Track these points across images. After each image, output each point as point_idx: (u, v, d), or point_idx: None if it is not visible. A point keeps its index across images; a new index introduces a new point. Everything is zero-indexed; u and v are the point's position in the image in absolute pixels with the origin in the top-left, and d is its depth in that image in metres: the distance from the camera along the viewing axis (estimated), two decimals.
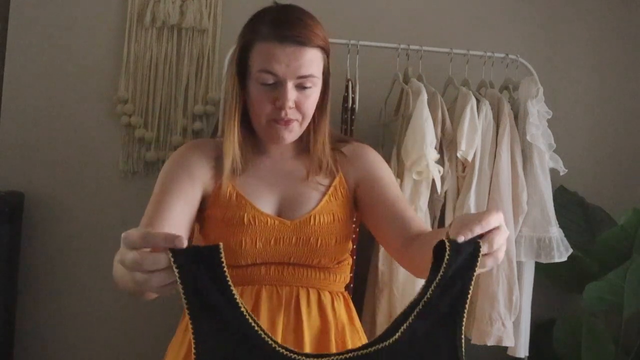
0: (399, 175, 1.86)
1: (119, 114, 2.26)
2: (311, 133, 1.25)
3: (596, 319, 2.10)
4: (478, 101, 1.94)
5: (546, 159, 1.96)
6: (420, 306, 0.80)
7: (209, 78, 2.29)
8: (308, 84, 1.16)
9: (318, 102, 1.22)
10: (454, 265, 0.79)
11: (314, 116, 1.22)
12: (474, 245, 0.80)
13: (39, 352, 2.27)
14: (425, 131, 1.80)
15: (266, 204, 1.22)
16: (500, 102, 1.96)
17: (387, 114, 2.12)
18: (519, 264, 1.94)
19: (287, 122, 1.17)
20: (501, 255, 0.84)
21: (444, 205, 1.94)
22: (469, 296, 0.80)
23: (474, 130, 1.88)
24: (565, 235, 1.96)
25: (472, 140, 1.87)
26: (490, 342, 1.88)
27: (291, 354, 0.78)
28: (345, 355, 0.79)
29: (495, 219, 0.83)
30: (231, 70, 1.22)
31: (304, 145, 1.28)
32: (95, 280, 2.28)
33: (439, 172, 1.84)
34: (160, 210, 1.21)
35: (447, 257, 0.79)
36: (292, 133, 1.20)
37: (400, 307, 1.84)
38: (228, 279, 0.77)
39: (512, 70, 2.12)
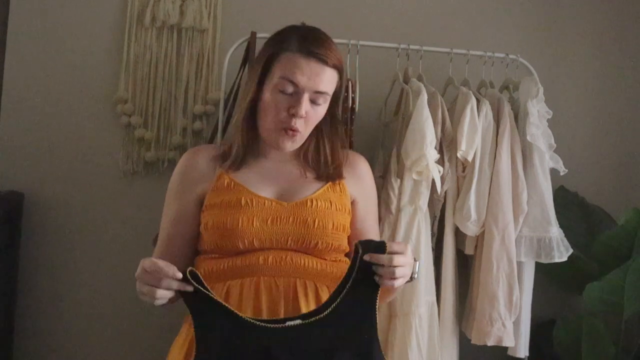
0: (399, 175, 1.86)
1: (118, 114, 2.26)
2: (325, 145, 1.37)
3: (596, 319, 2.09)
4: (478, 101, 1.94)
5: (546, 159, 1.96)
6: (345, 290, 1.11)
7: (208, 78, 2.28)
8: (320, 101, 1.28)
9: (328, 115, 1.35)
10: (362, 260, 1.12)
11: (324, 128, 1.36)
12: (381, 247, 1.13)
13: (39, 352, 2.27)
14: (425, 131, 1.80)
15: (263, 191, 1.30)
16: (500, 102, 1.96)
17: (387, 113, 2.12)
18: (519, 264, 1.94)
19: (294, 133, 1.28)
20: (399, 273, 1.15)
21: (444, 205, 1.94)
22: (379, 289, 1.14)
23: (474, 130, 1.88)
24: (566, 236, 1.95)
25: (472, 140, 1.87)
26: (491, 342, 1.88)
27: (250, 319, 1.09)
28: (288, 324, 1.09)
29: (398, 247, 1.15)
30: (252, 76, 1.33)
31: (303, 151, 1.38)
32: (95, 280, 2.28)
33: (439, 172, 1.84)
34: (168, 242, 1.41)
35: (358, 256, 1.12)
36: (294, 144, 1.31)
37: (400, 307, 1.84)
38: (210, 293, 1.10)
39: (513, 70, 2.12)
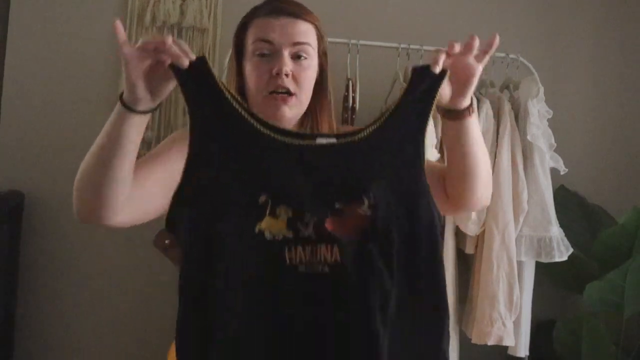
0: None
1: None
2: (316, 117, 1.23)
3: (596, 319, 2.09)
4: (478, 101, 1.94)
5: (547, 159, 1.96)
6: (388, 116, 0.94)
7: None
8: (303, 54, 1.18)
9: (317, 83, 1.23)
10: (420, 88, 0.96)
11: (315, 99, 1.22)
12: (440, 73, 0.95)
13: (39, 352, 2.27)
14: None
15: None
16: (500, 102, 1.96)
17: None
18: (520, 263, 1.94)
19: (285, 98, 1.15)
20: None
21: None
22: (430, 114, 0.97)
23: None
24: (566, 235, 1.96)
25: None
26: (491, 342, 1.88)
27: (272, 133, 0.90)
28: (317, 142, 0.90)
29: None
30: (231, 62, 1.25)
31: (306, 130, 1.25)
32: (95, 280, 2.28)
33: None
34: (145, 167, 1.11)
35: (411, 79, 0.95)
36: (292, 110, 1.17)
37: None
38: (218, 83, 0.91)
39: (513, 69, 2.12)
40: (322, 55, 1.24)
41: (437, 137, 1.86)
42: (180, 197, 0.89)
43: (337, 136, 0.93)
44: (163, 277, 2.17)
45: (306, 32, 1.19)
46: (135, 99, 0.95)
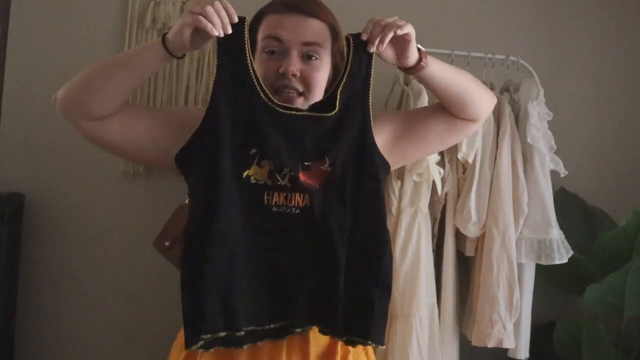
0: (400, 176, 1.86)
1: None
2: None
3: (597, 321, 2.09)
4: None
5: (547, 161, 1.96)
6: (343, 82, 1.14)
7: (209, 79, 2.28)
8: (314, 55, 1.17)
9: (329, 85, 1.22)
10: (360, 55, 1.16)
11: None
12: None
13: (39, 352, 2.27)
14: None
15: None
16: (500, 104, 1.96)
17: None
18: (520, 265, 1.94)
19: (293, 98, 1.16)
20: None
21: (444, 207, 1.94)
22: (371, 77, 1.18)
23: (475, 132, 1.88)
24: (566, 237, 1.96)
25: (472, 141, 1.87)
26: (491, 344, 1.88)
27: (268, 101, 1.10)
28: (302, 112, 1.12)
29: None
30: None
31: None
32: (96, 281, 2.28)
33: (440, 173, 1.84)
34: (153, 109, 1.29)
35: (350, 48, 1.15)
36: (301, 101, 1.18)
37: (400, 308, 1.84)
38: (247, 49, 1.10)
39: (513, 71, 2.12)
40: (337, 54, 1.23)
41: None
42: (197, 137, 1.09)
43: (313, 109, 1.15)
44: (163, 278, 2.16)
45: (318, 32, 1.17)
46: (177, 44, 1.06)
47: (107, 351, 2.30)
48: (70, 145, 2.26)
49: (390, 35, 1.10)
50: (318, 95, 1.19)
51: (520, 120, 1.98)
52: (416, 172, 1.80)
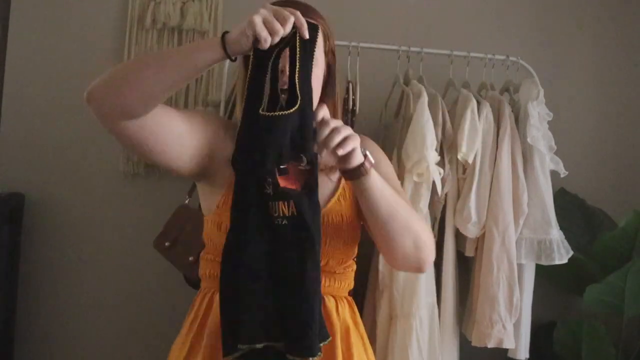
0: (400, 177, 1.86)
1: None
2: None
3: (597, 321, 2.09)
4: (479, 103, 1.94)
5: (547, 161, 1.96)
6: (297, 70, 1.07)
7: (209, 80, 2.28)
8: None
9: (324, 86, 1.23)
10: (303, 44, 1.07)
11: (323, 96, 1.23)
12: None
13: (39, 352, 2.27)
14: (425, 133, 1.80)
15: None
16: (500, 104, 1.96)
17: (387, 115, 2.12)
18: (520, 266, 1.94)
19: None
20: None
21: (444, 207, 1.94)
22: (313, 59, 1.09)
23: (475, 132, 1.88)
24: (566, 237, 1.96)
25: (472, 142, 1.87)
26: (491, 344, 1.88)
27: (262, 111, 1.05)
28: (278, 113, 1.05)
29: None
30: (240, 60, 1.23)
31: None
32: (96, 281, 2.28)
33: (440, 174, 1.84)
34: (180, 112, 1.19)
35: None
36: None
37: (400, 309, 1.84)
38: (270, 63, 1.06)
39: (513, 72, 2.12)
40: (329, 53, 1.25)
41: (437, 139, 1.87)
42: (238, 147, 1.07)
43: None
44: (163, 278, 2.17)
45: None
46: (237, 46, 1.03)
47: (107, 351, 2.30)
48: (70, 146, 2.26)
49: (347, 150, 1.06)
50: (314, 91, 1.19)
51: (520, 120, 1.98)
52: (416, 172, 1.81)
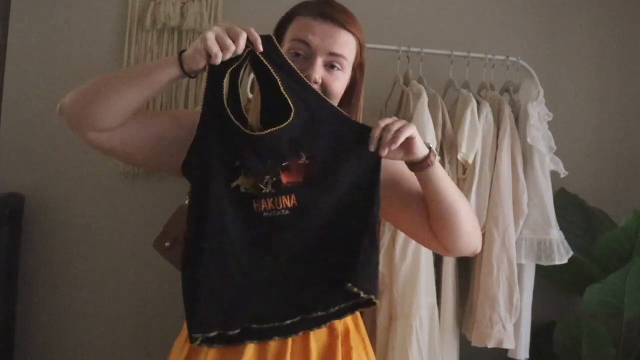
0: None
1: None
2: None
3: (597, 322, 2.09)
4: (478, 103, 1.94)
5: (547, 162, 1.96)
6: (280, 82, 1.11)
7: None
8: (337, 65, 1.18)
9: (348, 96, 1.25)
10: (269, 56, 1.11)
11: (342, 109, 1.21)
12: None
13: (39, 352, 2.27)
14: (425, 133, 1.81)
15: None
16: (500, 105, 1.96)
17: (387, 116, 2.12)
18: (520, 266, 1.94)
19: None
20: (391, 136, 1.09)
21: None
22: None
23: (475, 132, 1.88)
24: (566, 238, 1.96)
25: (472, 142, 1.88)
26: (491, 345, 1.88)
27: (241, 126, 1.11)
28: (269, 130, 1.10)
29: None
30: None
31: None
32: (95, 282, 2.28)
33: None
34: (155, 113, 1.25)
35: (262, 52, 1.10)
36: None
37: (400, 309, 1.84)
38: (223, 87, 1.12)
39: (513, 72, 2.13)
40: (357, 67, 1.25)
41: (437, 139, 1.87)
42: (192, 153, 1.13)
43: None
44: (163, 278, 2.17)
45: (345, 44, 1.19)
46: (193, 62, 1.06)
47: (107, 351, 2.30)
48: (70, 146, 2.26)
49: (400, 141, 1.09)
50: (334, 103, 1.21)
51: (520, 120, 1.98)
52: None
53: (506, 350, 1.96)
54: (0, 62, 2.26)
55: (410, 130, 1.09)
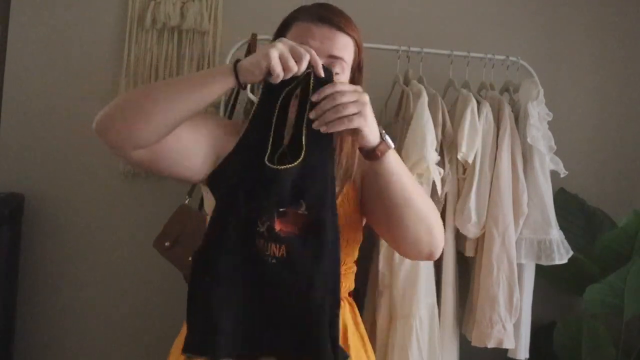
0: None
1: None
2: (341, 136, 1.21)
3: (597, 322, 2.09)
4: (479, 103, 1.94)
5: (547, 161, 1.96)
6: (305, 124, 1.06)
7: None
8: (337, 68, 1.18)
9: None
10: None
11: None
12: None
13: (39, 352, 2.27)
14: (425, 133, 1.80)
15: None
16: (500, 104, 1.96)
17: (387, 116, 2.12)
18: (520, 266, 1.94)
19: None
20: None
21: (444, 207, 1.94)
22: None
23: (475, 132, 1.88)
24: (566, 238, 1.96)
25: (472, 142, 1.88)
26: (491, 345, 1.88)
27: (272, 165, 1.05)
28: (280, 167, 1.06)
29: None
30: None
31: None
32: (96, 282, 2.28)
33: (440, 174, 1.84)
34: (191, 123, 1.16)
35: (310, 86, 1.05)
36: None
37: (400, 309, 1.84)
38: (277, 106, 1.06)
39: (513, 72, 2.12)
40: (356, 69, 1.26)
41: (437, 139, 1.87)
42: (225, 166, 1.13)
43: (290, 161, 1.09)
44: (163, 278, 2.17)
45: (344, 47, 1.21)
46: (250, 75, 1.03)
47: (107, 351, 2.30)
48: (70, 146, 2.26)
49: (338, 129, 1.03)
50: None
51: (520, 120, 1.98)
52: (416, 172, 1.80)
53: (506, 350, 1.96)
54: (0, 62, 2.26)
55: (358, 121, 1.02)
